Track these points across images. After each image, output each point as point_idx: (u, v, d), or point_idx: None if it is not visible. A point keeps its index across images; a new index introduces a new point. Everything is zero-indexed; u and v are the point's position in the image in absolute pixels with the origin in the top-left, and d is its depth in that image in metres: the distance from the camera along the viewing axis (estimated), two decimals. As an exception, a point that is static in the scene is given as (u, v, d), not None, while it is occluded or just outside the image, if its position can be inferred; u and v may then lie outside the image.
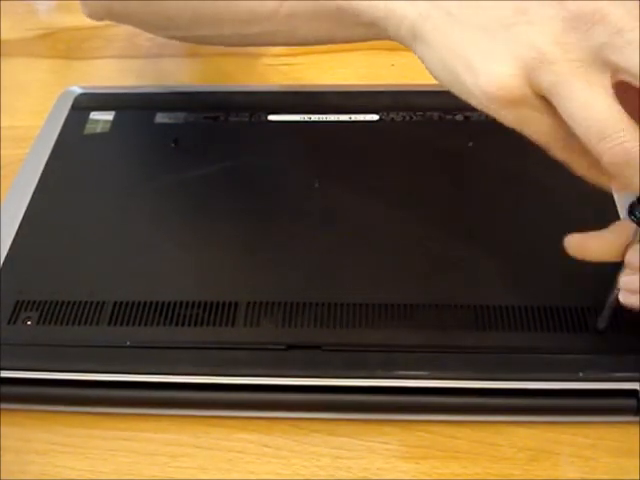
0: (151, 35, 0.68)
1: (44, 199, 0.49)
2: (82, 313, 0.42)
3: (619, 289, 0.38)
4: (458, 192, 0.48)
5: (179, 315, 0.41)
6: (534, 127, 0.31)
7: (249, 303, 0.42)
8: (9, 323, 0.42)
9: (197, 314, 0.41)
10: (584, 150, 0.30)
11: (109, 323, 0.41)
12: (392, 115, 0.54)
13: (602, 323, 0.40)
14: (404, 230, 0.46)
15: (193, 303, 0.42)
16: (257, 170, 0.51)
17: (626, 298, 0.37)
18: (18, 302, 0.43)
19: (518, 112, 0.31)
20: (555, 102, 0.30)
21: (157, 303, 0.42)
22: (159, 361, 0.40)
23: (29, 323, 0.42)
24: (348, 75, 0.63)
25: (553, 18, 0.29)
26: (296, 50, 0.66)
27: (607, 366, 0.39)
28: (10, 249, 0.46)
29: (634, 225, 0.36)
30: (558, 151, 0.32)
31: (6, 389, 0.40)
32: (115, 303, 0.42)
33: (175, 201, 0.49)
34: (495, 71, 0.30)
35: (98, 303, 0.42)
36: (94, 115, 0.55)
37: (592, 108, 0.29)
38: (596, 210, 0.47)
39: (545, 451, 0.39)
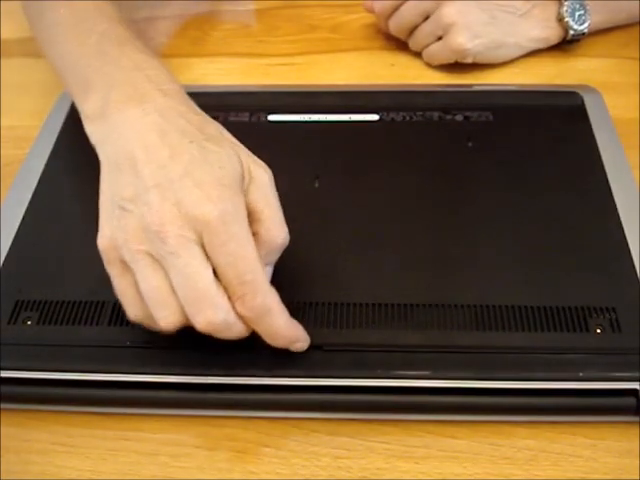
0: (150, 35, 0.68)
1: (44, 199, 0.49)
2: (82, 313, 0.42)
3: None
4: (458, 192, 0.48)
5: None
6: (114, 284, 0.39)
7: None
8: (9, 323, 0.42)
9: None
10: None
11: (109, 323, 0.41)
12: (392, 115, 0.54)
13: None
14: (404, 230, 0.46)
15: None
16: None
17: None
18: (18, 302, 0.43)
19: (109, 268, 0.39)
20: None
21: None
22: (159, 361, 0.40)
23: (29, 323, 0.42)
24: (348, 75, 0.63)
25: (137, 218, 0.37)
26: (296, 50, 0.66)
27: (607, 366, 0.39)
28: (10, 249, 0.46)
29: None
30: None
31: (6, 389, 0.40)
32: (115, 303, 0.42)
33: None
34: (99, 234, 0.39)
35: (98, 303, 0.42)
36: (94, 115, 0.55)
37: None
38: (596, 210, 0.47)
39: (545, 451, 0.39)
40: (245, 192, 0.38)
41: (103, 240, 0.38)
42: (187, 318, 0.36)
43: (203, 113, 0.42)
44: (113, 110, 0.41)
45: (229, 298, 0.36)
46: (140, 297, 0.37)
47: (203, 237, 0.36)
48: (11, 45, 0.68)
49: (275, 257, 0.40)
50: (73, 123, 0.54)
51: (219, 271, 0.36)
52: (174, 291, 0.36)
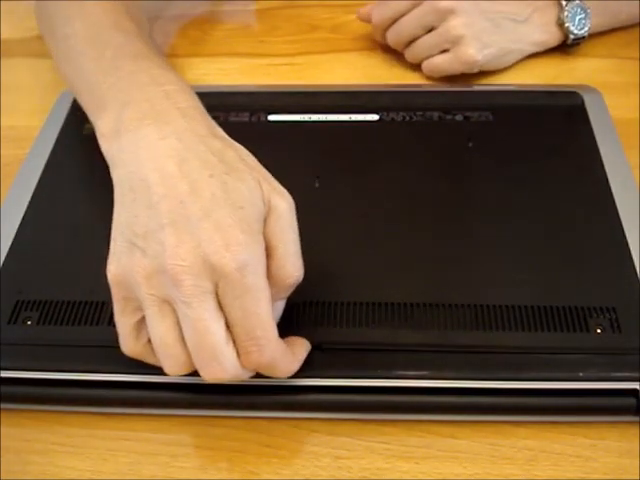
0: (150, 35, 0.68)
1: (44, 199, 0.49)
2: (82, 313, 0.42)
3: None
4: (458, 192, 0.48)
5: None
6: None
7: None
8: (9, 323, 0.42)
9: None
10: None
11: (109, 323, 0.41)
12: (392, 115, 0.54)
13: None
14: (404, 230, 0.46)
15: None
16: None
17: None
18: (18, 302, 0.43)
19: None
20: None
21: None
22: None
23: (29, 323, 0.42)
24: (348, 75, 0.63)
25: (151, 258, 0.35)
26: (296, 50, 0.66)
27: (607, 366, 0.39)
28: (10, 249, 0.46)
29: None
30: None
31: (6, 389, 0.40)
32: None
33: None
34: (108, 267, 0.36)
35: (98, 303, 0.42)
36: (94, 115, 0.55)
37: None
38: (596, 210, 0.47)
39: (545, 451, 0.39)
40: (263, 224, 0.36)
41: (112, 275, 0.36)
42: (194, 365, 0.36)
43: (223, 134, 0.39)
44: (128, 128, 0.39)
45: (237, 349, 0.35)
46: (139, 336, 0.37)
47: (218, 285, 0.34)
48: (11, 45, 0.68)
49: (286, 294, 0.38)
50: (73, 123, 0.55)
51: (230, 322, 0.35)
52: (183, 339, 0.35)
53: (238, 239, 0.34)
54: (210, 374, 0.35)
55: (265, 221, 0.36)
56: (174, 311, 0.35)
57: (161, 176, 0.36)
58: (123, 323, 0.37)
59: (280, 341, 0.36)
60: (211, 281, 0.34)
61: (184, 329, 0.35)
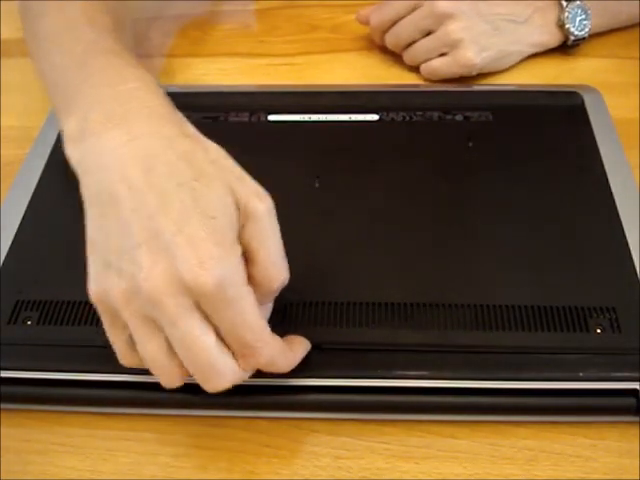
0: (150, 35, 0.68)
1: (44, 199, 0.49)
2: (82, 313, 0.42)
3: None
4: (458, 192, 0.48)
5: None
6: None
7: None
8: (9, 323, 0.42)
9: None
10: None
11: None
12: (392, 115, 0.54)
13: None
14: (404, 230, 0.46)
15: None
16: (257, 170, 0.51)
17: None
18: (18, 302, 0.43)
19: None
20: None
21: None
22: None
23: (29, 323, 0.42)
24: (348, 75, 0.63)
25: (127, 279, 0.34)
26: (296, 50, 0.66)
27: (607, 366, 0.39)
28: (10, 249, 0.46)
29: None
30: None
31: (6, 389, 0.40)
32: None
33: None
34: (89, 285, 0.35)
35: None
36: (94, 115, 0.55)
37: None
38: (596, 210, 0.47)
39: (545, 451, 0.39)
40: (240, 230, 0.35)
41: (93, 295, 0.35)
42: (189, 375, 0.35)
43: (193, 132, 0.38)
44: (93, 131, 0.37)
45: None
46: (134, 348, 0.36)
47: (200, 303, 0.33)
48: (11, 45, 0.68)
49: (273, 297, 0.38)
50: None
51: (221, 333, 0.34)
52: (175, 353, 0.35)
53: (212, 253, 0.33)
54: (213, 387, 0.35)
55: (244, 226, 0.35)
56: (161, 328, 0.34)
57: (129, 188, 0.34)
58: (115, 338, 0.36)
59: (276, 338, 0.36)
60: (192, 298, 0.33)
61: (175, 347, 0.34)
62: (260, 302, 0.35)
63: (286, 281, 0.37)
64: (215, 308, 0.33)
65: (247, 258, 0.35)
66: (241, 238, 0.35)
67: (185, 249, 0.33)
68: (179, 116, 0.39)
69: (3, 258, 0.45)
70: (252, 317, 0.34)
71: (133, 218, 0.34)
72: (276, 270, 0.36)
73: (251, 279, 0.35)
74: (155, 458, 0.40)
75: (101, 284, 0.35)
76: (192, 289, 0.33)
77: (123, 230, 0.34)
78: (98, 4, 0.49)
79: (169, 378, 0.36)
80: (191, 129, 0.38)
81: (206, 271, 0.33)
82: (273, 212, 0.36)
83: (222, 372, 0.35)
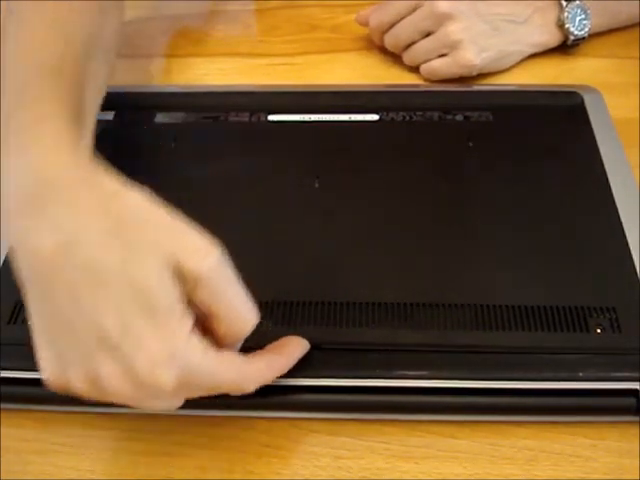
0: (150, 35, 0.68)
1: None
2: (82, 313, 0.42)
3: None
4: (458, 192, 0.48)
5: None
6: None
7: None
8: (9, 323, 0.42)
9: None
10: None
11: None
12: (392, 115, 0.54)
13: None
14: (404, 230, 0.46)
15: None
16: (257, 170, 0.51)
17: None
18: (18, 302, 0.43)
19: None
20: None
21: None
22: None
23: (29, 323, 0.42)
24: (348, 75, 0.63)
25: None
26: (296, 50, 0.66)
27: (607, 366, 0.39)
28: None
29: None
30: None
31: (6, 389, 0.40)
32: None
33: (175, 201, 0.49)
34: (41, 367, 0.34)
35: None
36: (94, 115, 0.55)
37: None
38: (596, 210, 0.47)
39: (545, 451, 0.39)
40: (190, 295, 0.33)
41: (51, 384, 0.34)
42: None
43: (116, 186, 0.34)
44: (16, 215, 0.34)
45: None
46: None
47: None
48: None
49: (244, 339, 0.36)
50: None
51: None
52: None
53: (162, 355, 0.32)
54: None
55: (192, 292, 0.33)
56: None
57: (57, 282, 0.33)
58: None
59: (259, 365, 0.36)
60: (151, 390, 0.33)
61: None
62: (233, 346, 0.36)
63: (256, 322, 0.35)
64: (186, 393, 0.34)
65: (208, 317, 0.34)
66: (195, 299, 0.33)
67: (137, 353, 0.32)
68: (101, 169, 0.35)
69: (3, 258, 0.45)
70: (222, 378, 0.35)
71: (78, 322, 0.32)
72: (240, 322, 0.35)
73: (219, 333, 0.35)
74: (155, 458, 0.39)
75: (57, 375, 0.34)
76: (153, 387, 0.33)
77: (67, 325, 0.33)
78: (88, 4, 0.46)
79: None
80: (114, 182, 0.34)
81: (160, 368, 0.32)
82: (221, 264, 0.33)
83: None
